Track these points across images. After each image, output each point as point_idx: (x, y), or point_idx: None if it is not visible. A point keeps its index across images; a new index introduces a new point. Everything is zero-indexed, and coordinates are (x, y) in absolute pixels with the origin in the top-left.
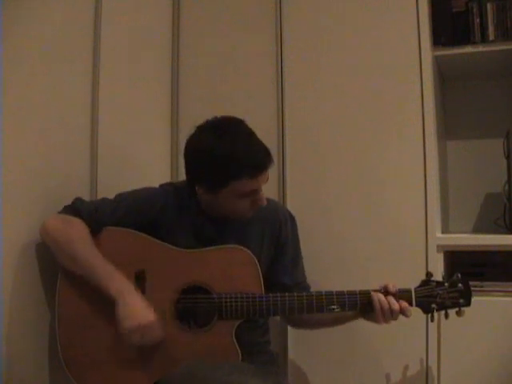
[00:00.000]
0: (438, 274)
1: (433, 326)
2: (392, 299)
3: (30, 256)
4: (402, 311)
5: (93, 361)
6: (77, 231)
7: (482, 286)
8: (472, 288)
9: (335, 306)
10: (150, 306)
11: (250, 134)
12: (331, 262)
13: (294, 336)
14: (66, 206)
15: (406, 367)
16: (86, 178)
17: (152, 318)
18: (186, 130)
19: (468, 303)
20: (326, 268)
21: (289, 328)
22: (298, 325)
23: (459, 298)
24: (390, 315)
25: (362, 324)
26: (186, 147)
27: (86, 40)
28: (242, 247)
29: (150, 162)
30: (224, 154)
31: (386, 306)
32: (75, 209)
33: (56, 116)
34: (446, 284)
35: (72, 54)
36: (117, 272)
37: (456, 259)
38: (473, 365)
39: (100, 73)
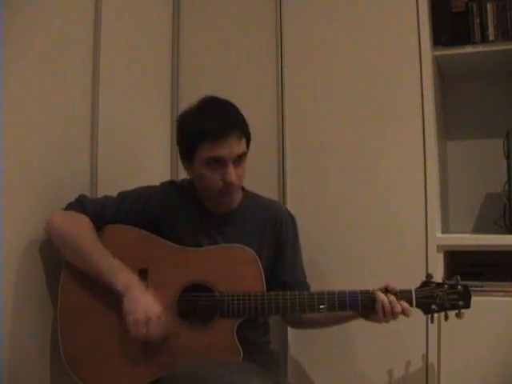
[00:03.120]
0: (438, 274)
1: (433, 327)
2: (394, 301)
3: (32, 253)
4: (404, 312)
5: (94, 357)
6: (82, 227)
7: (482, 286)
8: (472, 288)
9: (336, 306)
10: (155, 299)
11: (220, 106)
12: (331, 261)
13: (294, 336)
14: (70, 203)
15: (407, 367)
16: (86, 177)
17: (157, 310)
18: None
19: (467, 305)
20: (326, 268)
21: (289, 328)
22: (297, 324)
23: (459, 300)
24: (391, 315)
25: (361, 323)
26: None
27: (86, 40)
28: (245, 246)
29: (149, 161)
30: (191, 120)
31: (388, 307)
32: (80, 205)
33: (56, 115)
34: (446, 286)
35: (72, 53)
36: (122, 266)
37: (456, 259)
38: (472, 364)
39: (100, 72)
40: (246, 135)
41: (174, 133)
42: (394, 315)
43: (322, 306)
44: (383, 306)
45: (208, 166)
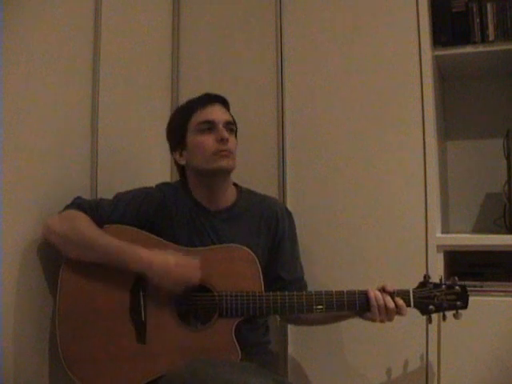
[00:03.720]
0: (438, 274)
1: (433, 327)
2: (388, 297)
3: (31, 255)
4: (398, 309)
5: (92, 357)
6: (82, 220)
7: (481, 286)
8: (472, 288)
9: (334, 306)
10: (168, 253)
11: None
12: (331, 261)
13: (294, 336)
14: (67, 206)
15: (407, 367)
16: (86, 178)
17: (176, 259)
18: None
19: (465, 305)
20: (325, 268)
21: (289, 328)
22: (295, 322)
23: (456, 300)
24: (386, 313)
25: (361, 323)
26: None
27: (86, 40)
28: (243, 246)
29: (149, 162)
30: (181, 107)
31: (382, 303)
32: (77, 205)
33: (56, 116)
34: (444, 286)
35: (72, 54)
36: (130, 244)
37: (456, 259)
38: (472, 364)
39: (100, 73)
40: (230, 112)
41: None
42: (388, 312)
43: (319, 307)
44: (376, 300)
45: (200, 131)
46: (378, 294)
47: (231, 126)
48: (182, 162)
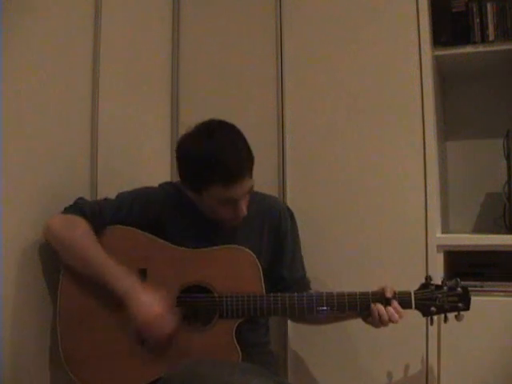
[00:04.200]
0: (438, 274)
1: (433, 328)
2: (390, 309)
3: (31, 255)
4: (397, 313)
5: (93, 358)
6: (81, 230)
7: (482, 286)
8: (472, 288)
9: (335, 308)
10: (160, 297)
11: (232, 142)
12: (331, 262)
13: (294, 336)
14: (69, 206)
15: (407, 367)
16: (86, 178)
17: (164, 307)
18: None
19: (467, 307)
20: (325, 268)
21: (289, 328)
22: (297, 320)
23: (458, 302)
24: (386, 323)
25: (361, 324)
26: (177, 145)
27: (86, 40)
28: (244, 248)
29: (150, 162)
30: (199, 158)
31: (384, 317)
32: (78, 209)
33: (56, 116)
34: (445, 288)
35: (72, 54)
36: (124, 270)
37: (456, 259)
38: (473, 364)
39: (100, 73)
40: (252, 170)
41: (174, 136)
42: (387, 323)
43: (320, 308)
44: (379, 316)
45: (218, 202)
46: (381, 309)
47: (250, 190)
48: (190, 195)
